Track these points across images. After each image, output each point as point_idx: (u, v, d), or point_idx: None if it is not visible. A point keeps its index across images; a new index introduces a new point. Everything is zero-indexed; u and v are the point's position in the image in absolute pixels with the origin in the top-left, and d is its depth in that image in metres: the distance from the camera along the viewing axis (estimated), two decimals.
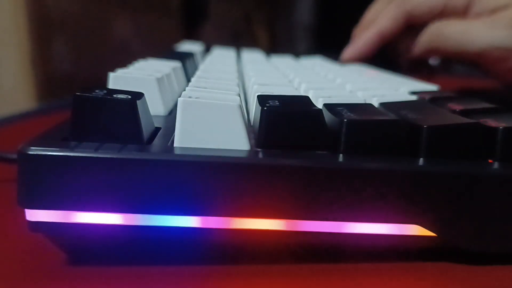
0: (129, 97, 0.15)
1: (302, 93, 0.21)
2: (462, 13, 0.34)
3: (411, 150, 0.16)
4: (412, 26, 0.36)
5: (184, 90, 0.17)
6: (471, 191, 0.16)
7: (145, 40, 0.82)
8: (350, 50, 0.37)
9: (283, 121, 0.16)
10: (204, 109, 0.15)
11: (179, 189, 0.14)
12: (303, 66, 0.33)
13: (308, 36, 1.54)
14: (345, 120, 0.16)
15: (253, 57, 0.37)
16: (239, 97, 0.17)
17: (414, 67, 0.37)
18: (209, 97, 0.16)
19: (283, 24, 1.51)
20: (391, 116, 0.17)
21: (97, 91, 0.16)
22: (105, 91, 0.16)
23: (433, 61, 0.39)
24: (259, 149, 0.16)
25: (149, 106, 0.17)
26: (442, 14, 0.35)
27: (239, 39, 1.21)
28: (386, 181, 0.15)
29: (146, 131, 0.16)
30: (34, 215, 0.15)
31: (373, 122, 0.16)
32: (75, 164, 0.14)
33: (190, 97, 0.16)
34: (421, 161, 0.16)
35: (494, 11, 0.32)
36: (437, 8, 0.35)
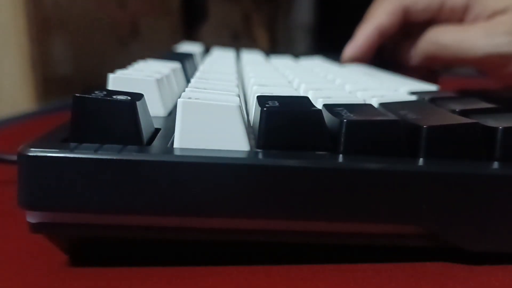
0: (129, 98, 0.15)
1: (301, 94, 0.21)
2: (460, 14, 0.34)
3: (411, 150, 0.16)
4: (409, 27, 0.36)
5: (184, 91, 0.17)
6: (470, 191, 0.16)
7: (145, 41, 0.83)
8: (350, 48, 0.37)
9: (283, 121, 0.16)
10: (203, 110, 0.15)
11: (179, 190, 0.14)
12: (303, 67, 0.33)
13: (308, 37, 1.54)
14: (345, 120, 0.16)
15: (252, 58, 0.37)
16: (238, 98, 0.17)
17: (416, 75, 0.37)
18: (209, 98, 0.16)
19: (283, 24, 1.50)
20: (391, 116, 0.17)
21: (96, 92, 0.16)
22: (104, 92, 0.16)
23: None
24: (259, 150, 0.16)
25: (148, 107, 0.17)
26: (440, 13, 0.34)
27: (238, 40, 1.21)
28: (385, 181, 0.15)
29: (145, 132, 0.16)
30: (35, 216, 0.15)
31: (373, 122, 0.16)
32: (75, 165, 0.14)
33: (189, 98, 0.16)
34: (420, 161, 0.16)
35: (492, 15, 0.31)
36: (434, 5, 0.34)
